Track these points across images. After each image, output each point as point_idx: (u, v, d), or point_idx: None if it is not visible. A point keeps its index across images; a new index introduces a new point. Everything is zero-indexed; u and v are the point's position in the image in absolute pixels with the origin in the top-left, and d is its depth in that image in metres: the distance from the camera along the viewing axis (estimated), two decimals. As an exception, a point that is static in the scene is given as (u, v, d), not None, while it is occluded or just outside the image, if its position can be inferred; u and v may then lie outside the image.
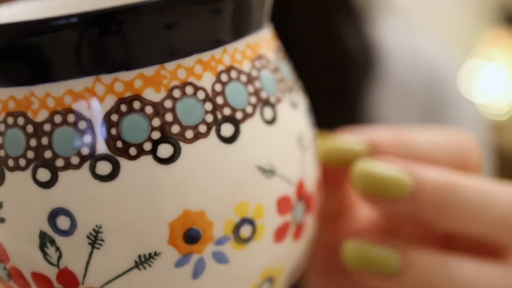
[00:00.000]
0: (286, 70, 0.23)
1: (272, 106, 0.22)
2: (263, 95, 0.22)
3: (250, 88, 0.21)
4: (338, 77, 0.44)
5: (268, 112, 0.22)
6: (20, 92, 0.20)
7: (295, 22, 0.42)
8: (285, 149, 0.22)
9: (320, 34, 0.43)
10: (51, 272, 0.21)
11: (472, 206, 0.23)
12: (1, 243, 0.21)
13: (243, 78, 0.21)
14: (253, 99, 0.21)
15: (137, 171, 0.20)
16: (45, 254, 0.20)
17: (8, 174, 0.20)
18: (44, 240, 0.20)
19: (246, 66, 0.21)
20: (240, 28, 0.21)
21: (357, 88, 0.46)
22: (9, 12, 0.25)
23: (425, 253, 0.24)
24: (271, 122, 0.22)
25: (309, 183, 0.23)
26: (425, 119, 0.50)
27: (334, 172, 0.26)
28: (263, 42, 0.22)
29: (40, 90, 0.20)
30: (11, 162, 0.20)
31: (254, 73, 0.22)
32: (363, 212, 0.28)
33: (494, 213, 0.23)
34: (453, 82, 0.53)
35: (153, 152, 0.20)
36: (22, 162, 0.20)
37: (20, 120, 0.20)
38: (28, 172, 0.20)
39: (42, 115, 0.20)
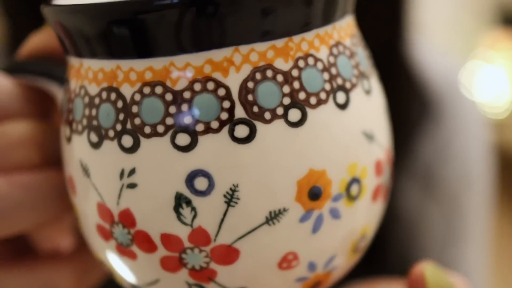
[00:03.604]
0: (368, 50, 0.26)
1: (368, 78, 0.24)
2: (361, 68, 0.24)
3: (353, 62, 0.24)
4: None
5: (366, 84, 0.24)
6: (159, 62, 0.21)
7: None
8: (379, 118, 0.25)
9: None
10: (183, 232, 0.22)
11: None
12: (129, 208, 0.23)
13: (347, 52, 0.24)
14: (356, 71, 0.24)
15: (271, 134, 0.22)
16: (179, 214, 0.22)
17: (144, 141, 0.22)
18: (180, 201, 0.22)
19: (348, 42, 0.24)
20: (344, 9, 0.24)
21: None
22: None
23: None
24: (368, 92, 0.24)
25: (391, 151, 0.26)
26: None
27: None
28: (353, 23, 0.25)
29: (180, 60, 0.21)
30: (148, 129, 0.22)
31: (353, 48, 0.24)
32: None
33: None
34: (457, 85, 0.55)
35: (285, 116, 0.22)
36: (161, 129, 0.21)
37: (158, 89, 0.21)
38: (167, 137, 0.21)
39: (181, 84, 0.21)
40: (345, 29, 0.24)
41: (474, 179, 0.55)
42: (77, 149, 0.24)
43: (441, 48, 0.63)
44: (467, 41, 1.61)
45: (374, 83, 0.25)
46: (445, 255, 0.53)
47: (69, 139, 0.24)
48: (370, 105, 0.24)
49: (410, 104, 0.52)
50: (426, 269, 0.25)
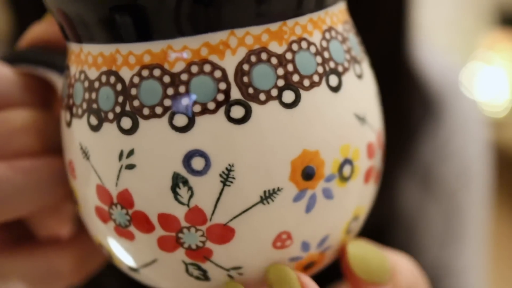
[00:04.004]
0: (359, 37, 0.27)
1: (359, 63, 0.25)
2: (353, 53, 0.25)
3: (345, 47, 0.24)
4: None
5: (357, 68, 0.25)
6: (157, 46, 0.22)
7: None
8: (371, 101, 0.25)
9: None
10: (180, 212, 0.23)
11: None
12: (127, 189, 0.23)
13: (340, 37, 0.24)
14: (348, 56, 0.24)
15: (266, 114, 0.22)
16: (176, 194, 0.23)
17: (142, 123, 0.22)
18: (177, 181, 0.22)
19: (340, 28, 0.24)
20: None
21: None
22: None
23: None
24: (360, 76, 0.25)
25: (382, 135, 0.27)
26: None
27: None
28: (345, 10, 0.26)
29: (178, 43, 0.22)
30: (146, 111, 0.22)
31: (345, 34, 0.25)
32: None
33: None
34: (457, 85, 0.56)
35: (279, 97, 0.22)
36: (159, 110, 0.22)
37: (157, 72, 0.22)
38: (165, 118, 0.22)
39: (178, 66, 0.22)
40: (337, 14, 0.24)
41: (473, 177, 0.55)
42: (77, 133, 0.24)
43: (441, 48, 0.64)
44: (467, 42, 1.61)
45: (366, 68, 0.26)
46: (444, 253, 0.54)
47: (69, 124, 0.25)
48: (361, 89, 0.25)
49: (412, 104, 0.52)
50: (350, 245, 0.25)
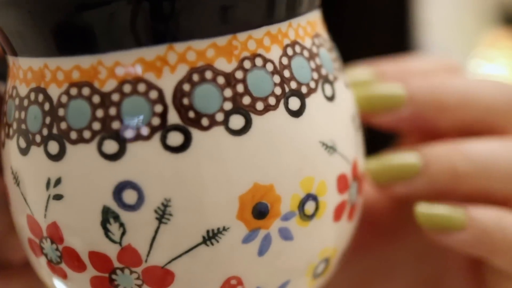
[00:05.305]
0: (336, 51, 0.24)
1: (331, 83, 0.22)
2: (323, 71, 0.22)
3: (312, 64, 0.21)
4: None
5: (328, 89, 0.22)
6: (86, 61, 0.19)
7: None
8: (343, 126, 0.22)
9: None
10: (112, 250, 0.20)
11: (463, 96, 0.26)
12: (55, 222, 0.20)
13: (306, 53, 0.21)
14: (315, 75, 0.21)
15: (209, 142, 0.19)
16: (107, 231, 0.20)
17: (69, 148, 0.20)
18: (107, 216, 0.19)
19: (307, 42, 0.21)
20: (304, 4, 0.21)
21: None
22: None
23: (441, 144, 0.25)
24: (331, 99, 0.22)
25: (361, 164, 0.23)
26: None
27: None
28: (319, 21, 0.22)
29: (108, 58, 0.19)
30: (73, 135, 0.19)
31: (314, 49, 0.21)
32: None
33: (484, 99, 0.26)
34: None
35: (225, 123, 0.19)
36: (87, 134, 0.19)
37: (86, 91, 0.19)
38: (93, 144, 0.19)
39: (110, 85, 0.19)
40: (304, 27, 0.21)
41: None
42: (9, 155, 0.22)
43: (442, 46, 0.62)
44: (469, 40, 1.58)
45: (340, 88, 0.22)
46: None
47: (3, 144, 0.22)
48: (332, 113, 0.22)
49: None
50: None
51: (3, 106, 0.22)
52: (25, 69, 0.21)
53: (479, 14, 1.65)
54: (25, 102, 0.21)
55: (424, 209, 0.25)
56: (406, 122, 0.27)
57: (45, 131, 0.20)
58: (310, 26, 0.22)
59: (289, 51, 0.21)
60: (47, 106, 0.20)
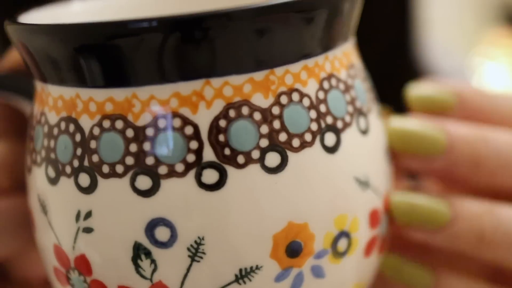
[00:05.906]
0: (370, 81, 0.23)
1: (365, 115, 0.21)
2: (358, 104, 0.21)
3: (347, 97, 0.21)
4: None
5: (362, 122, 0.21)
6: (120, 93, 0.19)
7: None
8: (377, 160, 0.22)
9: None
10: (142, 286, 0.20)
11: (503, 157, 0.23)
12: (84, 255, 0.20)
13: (342, 86, 0.21)
14: (350, 108, 0.21)
15: (244, 180, 0.19)
16: (137, 266, 0.19)
17: (101, 181, 0.19)
18: (139, 252, 0.19)
19: (343, 74, 0.21)
20: (339, 36, 0.21)
21: None
22: (81, 8, 0.24)
23: (473, 202, 0.23)
24: (365, 132, 0.21)
25: (391, 196, 0.23)
26: None
27: None
28: (353, 50, 0.22)
29: (143, 92, 0.19)
30: (106, 169, 0.19)
31: (349, 81, 0.21)
32: None
33: None
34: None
35: (261, 160, 0.19)
36: (120, 169, 0.19)
37: (119, 124, 0.19)
38: (126, 179, 0.19)
39: (144, 119, 0.19)
40: (340, 59, 0.21)
41: None
42: (36, 183, 0.21)
43: (444, 45, 0.63)
44: (470, 38, 1.58)
45: (373, 120, 0.22)
46: None
47: (29, 170, 0.22)
48: (365, 147, 0.21)
49: None
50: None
51: (30, 131, 0.22)
52: (56, 96, 0.20)
53: (480, 13, 1.65)
54: (55, 131, 0.20)
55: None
56: (436, 173, 0.24)
57: (75, 163, 0.20)
58: (345, 57, 0.21)
59: (325, 85, 0.20)
60: (78, 137, 0.19)
